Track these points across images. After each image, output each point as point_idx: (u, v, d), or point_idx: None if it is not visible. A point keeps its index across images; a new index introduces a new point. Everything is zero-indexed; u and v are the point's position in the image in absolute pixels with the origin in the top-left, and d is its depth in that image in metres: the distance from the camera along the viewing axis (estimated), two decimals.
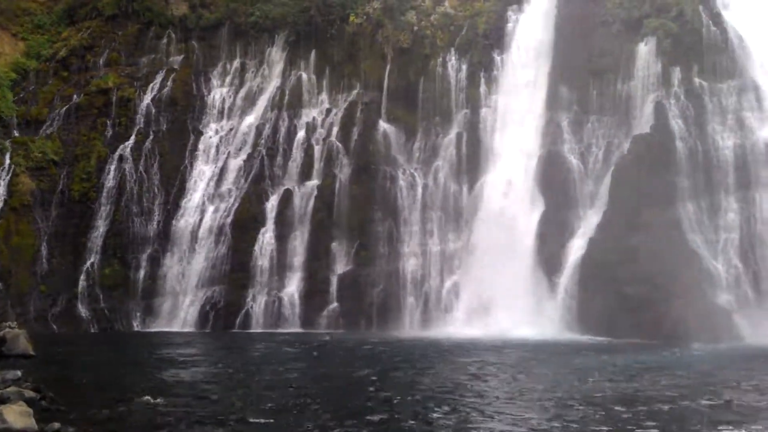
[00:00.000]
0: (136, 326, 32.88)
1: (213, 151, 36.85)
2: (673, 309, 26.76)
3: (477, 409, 13.21)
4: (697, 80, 31.03)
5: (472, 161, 34.09)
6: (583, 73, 33.46)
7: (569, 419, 12.35)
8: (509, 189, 32.63)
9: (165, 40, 39.55)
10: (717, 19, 31.68)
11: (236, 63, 39.12)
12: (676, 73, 31.49)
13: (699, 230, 28.97)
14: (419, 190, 34.20)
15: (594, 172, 31.63)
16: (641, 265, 27.91)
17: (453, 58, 36.23)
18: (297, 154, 35.95)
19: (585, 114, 32.82)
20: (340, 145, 35.58)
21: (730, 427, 11.63)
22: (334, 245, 33.81)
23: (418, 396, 14.43)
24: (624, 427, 11.78)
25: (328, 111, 36.96)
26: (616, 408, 13.31)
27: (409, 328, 31.50)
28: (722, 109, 30.34)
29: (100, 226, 34.69)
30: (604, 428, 11.71)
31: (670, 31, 32.07)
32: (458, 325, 30.57)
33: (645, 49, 32.38)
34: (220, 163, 36.29)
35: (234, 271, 33.46)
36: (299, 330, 31.82)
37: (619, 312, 27.50)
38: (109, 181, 35.45)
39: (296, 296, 32.98)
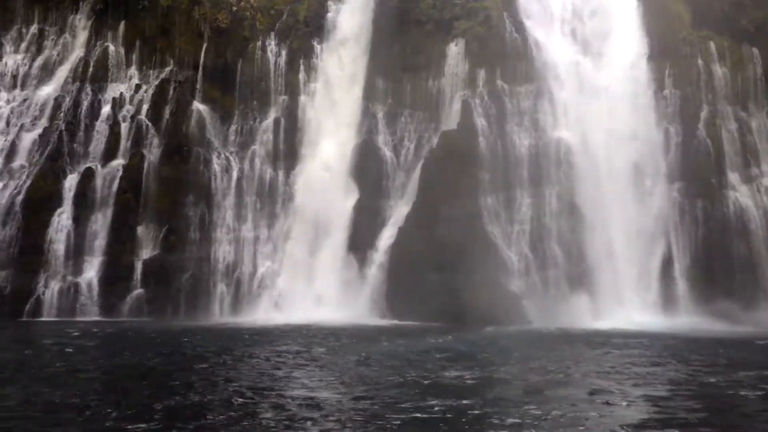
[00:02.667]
0: None
1: (3, 122, 33.49)
2: (471, 294, 28.58)
3: (278, 395, 13.15)
4: (499, 82, 33.33)
5: (289, 147, 34.07)
6: (398, 68, 34.69)
7: (363, 406, 12.65)
8: (325, 176, 33.04)
9: None
10: (519, 26, 34.23)
11: (33, 28, 35.83)
12: (482, 75, 33.58)
13: (496, 222, 31.22)
14: (234, 174, 33.54)
15: (406, 164, 32.97)
16: (445, 253, 29.54)
17: (273, 42, 35.92)
18: (101, 131, 33.73)
19: (399, 108, 34.08)
20: (149, 123, 33.90)
21: (523, 406, 12.55)
22: (140, 229, 32.20)
23: (217, 386, 14.04)
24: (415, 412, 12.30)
25: (138, 87, 35.04)
26: (409, 391, 13.86)
27: (219, 315, 30.87)
28: (520, 111, 32.87)
29: None
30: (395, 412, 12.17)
31: (477, 34, 34.15)
32: (270, 312, 30.45)
33: (455, 50, 34.20)
34: (10, 137, 33.10)
35: (24, 254, 30.72)
36: (98, 318, 29.93)
37: (424, 298, 28.89)
38: None
39: (95, 282, 30.98)
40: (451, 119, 32.85)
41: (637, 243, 31.04)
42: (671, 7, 34.83)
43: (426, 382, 14.55)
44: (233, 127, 34.87)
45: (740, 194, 31.04)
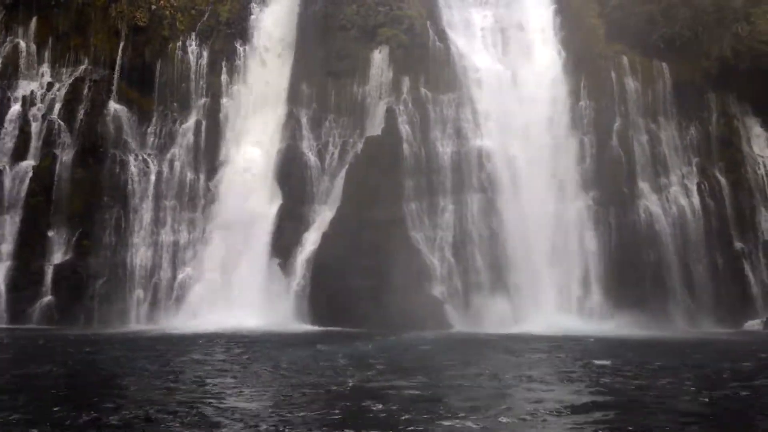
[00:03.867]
0: None
1: None
2: (394, 300, 28.73)
3: (193, 407, 12.57)
4: (423, 90, 33.71)
5: (211, 150, 33.39)
6: (323, 73, 34.57)
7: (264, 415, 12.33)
8: (248, 181, 32.56)
9: None
10: (442, 35, 34.76)
11: None
12: (406, 82, 33.87)
13: (420, 228, 31.51)
14: (153, 177, 32.57)
15: (330, 169, 32.83)
16: (369, 259, 29.60)
17: (194, 43, 35.18)
18: (10, 131, 32.16)
19: (323, 112, 33.92)
20: (62, 123, 32.55)
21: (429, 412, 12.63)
22: (52, 233, 30.84)
23: (130, 398, 13.39)
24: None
25: (50, 85, 33.60)
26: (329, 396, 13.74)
27: (136, 322, 29.86)
28: (443, 119, 33.34)
29: None
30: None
31: (401, 42, 34.43)
32: (190, 319, 29.66)
33: (379, 57, 34.36)
34: None
35: None
36: (6, 326, 28.45)
37: (348, 303, 28.86)
38: None
39: (3, 288, 29.51)
40: (375, 125, 32.97)
41: (555, 249, 31.96)
42: (586, 21, 36.15)
43: (346, 389, 14.34)
44: (152, 129, 33.92)
45: (650, 203, 32.46)
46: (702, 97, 34.36)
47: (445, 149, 32.72)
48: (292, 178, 32.54)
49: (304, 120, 33.70)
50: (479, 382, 15.23)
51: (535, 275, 31.07)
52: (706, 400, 13.63)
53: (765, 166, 33.94)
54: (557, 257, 31.93)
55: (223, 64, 35.03)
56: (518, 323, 28.99)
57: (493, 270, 30.96)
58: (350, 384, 14.83)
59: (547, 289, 31.03)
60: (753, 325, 30.82)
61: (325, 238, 30.64)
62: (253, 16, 36.10)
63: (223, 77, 34.76)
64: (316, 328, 28.50)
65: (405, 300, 28.70)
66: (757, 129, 34.79)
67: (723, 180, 33.20)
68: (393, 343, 23.73)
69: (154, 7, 35.65)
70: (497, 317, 29.35)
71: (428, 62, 34.25)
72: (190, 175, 32.98)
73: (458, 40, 35.42)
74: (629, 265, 31.40)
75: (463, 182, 32.28)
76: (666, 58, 34.38)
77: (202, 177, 33.00)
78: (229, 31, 35.94)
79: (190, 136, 33.55)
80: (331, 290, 29.43)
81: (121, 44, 34.72)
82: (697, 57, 34.45)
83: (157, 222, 32.04)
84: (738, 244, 32.44)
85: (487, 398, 13.55)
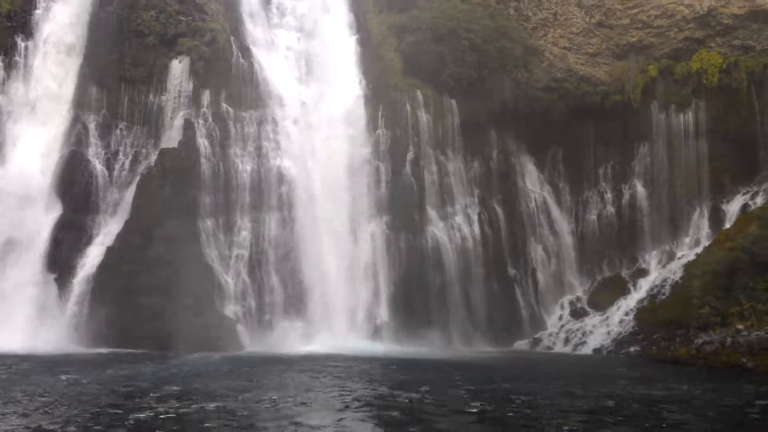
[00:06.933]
0: None
1: None
2: (184, 319, 27.58)
3: None
4: (224, 105, 33.05)
5: None
6: (116, 78, 32.62)
7: None
8: (21, 187, 29.47)
9: None
10: (246, 52, 34.42)
11: None
12: (206, 96, 32.99)
13: (215, 245, 30.66)
14: None
15: (119, 180, 30.87)
16: (158, 276, 28.18)
17: None
18: None
19: (114, 119, 31.89)
20: None
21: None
22: None
23: None
24: None
25: None
26: None
27: None
28: (244, 136, 32.89)
29: None
30: None
31: (202, 54, 33.53)
32: None
33: (178, 67, 33.17)
34: None
35: None
36: None
37: (132, 322, 27.19)
38: None
39: None
40: (172, 137, 31.63)
41: (349, 271, 32.66)
42: (385, 55, 37.81)
43: (116, 419, 13.27)
44: None
45: (437, 229, 34.46)
46: (485, 135, 37.34)
47: (244, 167, 32.26)
48: (75, 187, 30.11)
49: (91, 126, 31.40)
50: (244, 407, 14.82)
51: (328, 296, 31.50)
52: (477, 411, 14.63)
53: (536, 200, 37.64)
54: (350, 278, 32.65)
55: (0, 59, 31.69)
56: (310, 343, 29.14)
57: (288, 290, 30.93)
58: (121, 414, 13.65)
59: (340, 309, 31.58)
60: (521, 344, 33.80)
61: (110, 252, 28.67)
62: (38, 11, 33.12)
63: (0, 73, 31.42)
64: (95, 350, 26.34)
65: (196, 319, 27.68)
66: (530, 166, 38.56)
67: (500, 211, 36.21)
68: (178, 365, 22.61)
69: None
70: (290, 337, 29.31)
71: (230, 78, 33.70)
72: None
73: (262, 58, 35.28)
74: (417, 288, 32.98)
75: (261, 201, 32.00)
76: (455, 96, 36.93)
77: None
78: (9, 24, 32.62)
79: None
80: (114, 309, 27.51)
81: None
82: (482, 97, 37.43)
83: None
84: (511, 271, 35.49)
85: (253, 423, 13.23)
